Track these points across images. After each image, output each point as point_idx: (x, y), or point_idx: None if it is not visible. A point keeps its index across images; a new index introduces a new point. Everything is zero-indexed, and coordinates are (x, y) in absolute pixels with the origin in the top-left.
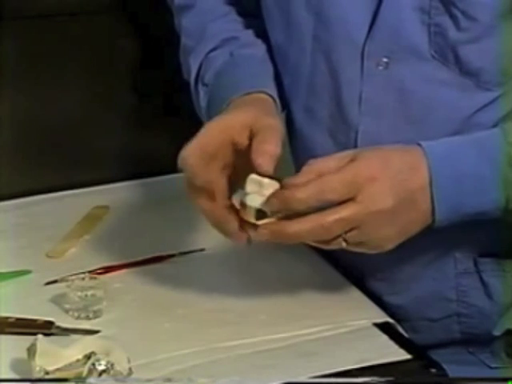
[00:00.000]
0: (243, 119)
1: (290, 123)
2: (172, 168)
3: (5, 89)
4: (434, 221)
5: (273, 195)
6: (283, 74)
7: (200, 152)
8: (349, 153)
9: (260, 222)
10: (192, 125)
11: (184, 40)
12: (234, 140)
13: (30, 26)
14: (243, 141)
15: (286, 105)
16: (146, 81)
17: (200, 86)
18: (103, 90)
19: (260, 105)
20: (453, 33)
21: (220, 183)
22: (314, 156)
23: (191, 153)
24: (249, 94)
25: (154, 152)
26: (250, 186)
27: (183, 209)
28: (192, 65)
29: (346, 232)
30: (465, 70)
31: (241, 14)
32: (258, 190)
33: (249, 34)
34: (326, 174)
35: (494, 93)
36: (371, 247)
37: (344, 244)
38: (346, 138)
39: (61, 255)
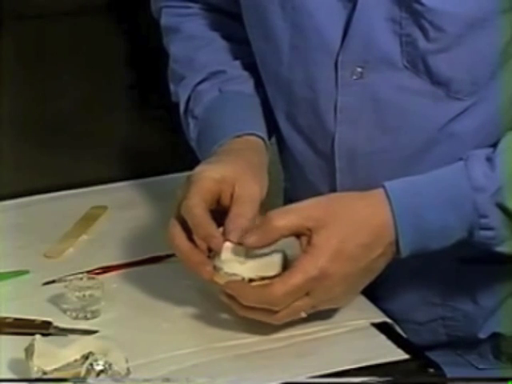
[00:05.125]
0: (231, 177)
1: (276, 129)
2: (170, 168)
3: (4, 89)
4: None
5: (249, 289)
6: (265, 82)
7: (204, 204)
8: (309, 214)
9: (227, 288)
10: None
11: (172, 65)
12: (220, 194)
13: (29, 25)
14: (226, 198)
15: (271, 112)
16: (146, 81)
17: (190, 118)
18: (103, 89)
19: (248, 156)
20: (422, 43)
21: (219, 238)
22: (296, 161)
23: (196, 203)
24: (238, 136)
25: (153, 152)
26: (225, 253)
27: None
28: (181, 95)
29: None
30: (435, 79)
31: (227, 39)
32: (232, 258)
33: (236, 67)
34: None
35: (465, 102)
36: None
37: (303, 314)
38: (323, 146)
39: (59, 255)
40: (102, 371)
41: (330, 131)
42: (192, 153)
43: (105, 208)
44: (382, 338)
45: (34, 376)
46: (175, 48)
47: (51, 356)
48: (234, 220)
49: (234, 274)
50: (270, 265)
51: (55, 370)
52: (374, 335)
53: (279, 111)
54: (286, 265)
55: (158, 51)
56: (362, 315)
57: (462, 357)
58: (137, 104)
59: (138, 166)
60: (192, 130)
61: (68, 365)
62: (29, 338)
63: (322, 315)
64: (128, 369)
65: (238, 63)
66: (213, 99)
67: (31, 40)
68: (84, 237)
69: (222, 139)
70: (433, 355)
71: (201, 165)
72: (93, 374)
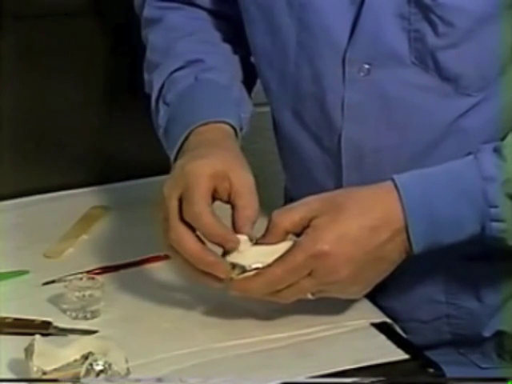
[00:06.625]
0: (223, 171)
1: (278, 125)
2: (170, 168)
3: (4, 89)
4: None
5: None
6: (270, 79)
7: (210, 208)
8: (311, 206)
9: (237, 277)
10: None
11: (149, 55)
12: (217, 189)
13: (29, 25)
14: (223, 192)
15: (274, 109)
16: (143, 81)
17: (161, 104)
18: (101, 90)
19: (230, 146)
20: (431, 39)
21: (236, 239)
22: (301, 159)
23: (203, 210)
24: (209, 123)
25: (152, 152)
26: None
27: None
28: (155, 82)
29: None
30: (444, 75)
31: (210, 32)
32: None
33: (215, 58)
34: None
35: (474, 98)
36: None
37: (310, 296)
38: (330, 143)
39: (58, 255)
40: (101, 371)
41: (336, 127)
42: None
43: (105, 208)
44: (382, 338)
45: (34, 376)
46: (154, 38)
47: (51, 356)
48: (241, 212)
49: (238, 264)
50: (275, 252)
51: (55, 369)
52: (373, 335)
53: (285, 108)
54: None
55: None
56: (362, 315)
57: (465, 356)
58: (137, 104)
59: (137, 166)
60: (161, 116)
61: (68, 365)
62: (29, 338)
63: (322, 315)
64: (128, 369)
65: (218, 54)
66: (187, 86)
67: (31, 40)
68: (84, 237)
69: (193, 125)
70: (435, 354)
71: (189, 159)
72: (92, 374)
